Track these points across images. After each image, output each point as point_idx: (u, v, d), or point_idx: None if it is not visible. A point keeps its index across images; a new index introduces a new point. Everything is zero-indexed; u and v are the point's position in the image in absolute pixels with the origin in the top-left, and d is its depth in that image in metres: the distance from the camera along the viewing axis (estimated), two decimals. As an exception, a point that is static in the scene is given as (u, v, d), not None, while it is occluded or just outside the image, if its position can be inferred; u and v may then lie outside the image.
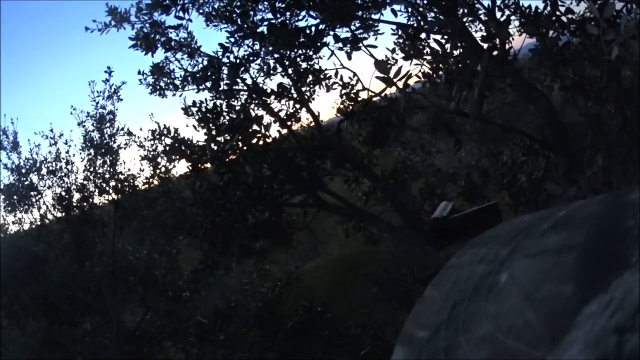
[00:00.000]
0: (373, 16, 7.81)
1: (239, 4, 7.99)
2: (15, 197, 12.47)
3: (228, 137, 8.04)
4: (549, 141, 7.22)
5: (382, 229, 8.23)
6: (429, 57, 7.14)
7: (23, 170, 12.26)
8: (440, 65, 7.07)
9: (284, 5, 7.62)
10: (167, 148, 10.08)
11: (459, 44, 7.07)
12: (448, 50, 7.04)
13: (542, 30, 7.22)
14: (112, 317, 11.45)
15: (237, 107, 8.41)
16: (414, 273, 9.40)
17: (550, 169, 7.39)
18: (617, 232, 0.56)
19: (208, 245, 8.06)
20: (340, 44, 7.64)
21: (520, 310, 0.56)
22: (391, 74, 6.19)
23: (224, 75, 8.41)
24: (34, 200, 12.58)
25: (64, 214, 12.56)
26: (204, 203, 7.75)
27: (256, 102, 8.46)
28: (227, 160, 7.67)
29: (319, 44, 7.85)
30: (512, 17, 7.30)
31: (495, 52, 6.78)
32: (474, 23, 7.58)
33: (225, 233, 7.85)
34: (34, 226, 13.68)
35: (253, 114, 8.22)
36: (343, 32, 7.73)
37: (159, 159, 11.29)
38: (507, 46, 6.96)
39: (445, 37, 7.24)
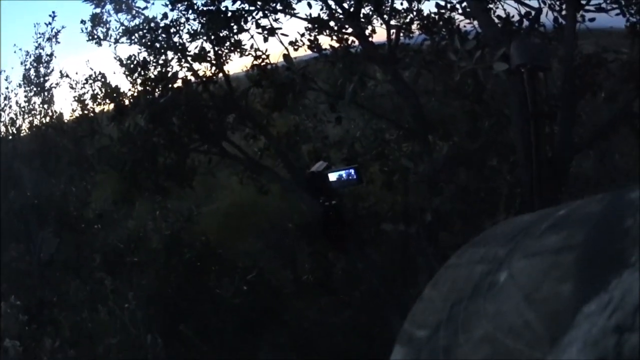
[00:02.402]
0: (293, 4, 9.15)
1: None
2: None
3: (156, 89, 9.37)
4: (411, 129, 8.54)
5: (273, 179, 9.59)
6: (327, 51, 8.68)
7: None
8: (333, 60, 8.50)
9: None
10: (98, 92, 12.11)
11: (350, 43, 8.58)
12: (340, 47, 8.55)
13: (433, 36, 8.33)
14: (34, 246, 12.10)
15: (161, 63, 9.69)
16: (294, 222, 10.83)
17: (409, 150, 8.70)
18: (617, 231, 0.60)
19: (129, 179, 9.25)
20: (259, 30, 9.09)
21: (519, 310, 0.60)
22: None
23: (156, 35, 9.64)
24: None
25: None
26: (130, 142, 8.96)
27: (180, 61, 9.65)
28: (153, 108, 8.91)
29: (243, 28, 9.23)
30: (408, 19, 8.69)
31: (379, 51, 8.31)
32: (371, 23, 8.78)
33: (143, 170, 9.14)
34: None
35: (175, 70, 9.60)
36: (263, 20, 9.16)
37: (87, 102, 12.10)
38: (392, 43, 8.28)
39: (344, 34, 8.64)
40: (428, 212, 7.68)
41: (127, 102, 9.94)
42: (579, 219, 0.68)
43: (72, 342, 8.56)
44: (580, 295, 0.56)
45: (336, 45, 8.63)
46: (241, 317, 9.48)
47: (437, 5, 8.18)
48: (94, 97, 11.67)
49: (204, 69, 9.72)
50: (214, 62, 9.68)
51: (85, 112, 12.17)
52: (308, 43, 9.01)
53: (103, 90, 10.98)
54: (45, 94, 13.39)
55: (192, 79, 9.57)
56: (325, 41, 8.89)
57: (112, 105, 10.47)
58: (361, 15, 8.48)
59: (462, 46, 6.08)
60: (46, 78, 13.45)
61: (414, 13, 8.64)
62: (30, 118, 13.58)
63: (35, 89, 13.34)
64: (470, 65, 5.92)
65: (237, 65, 10.14)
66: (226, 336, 9.46)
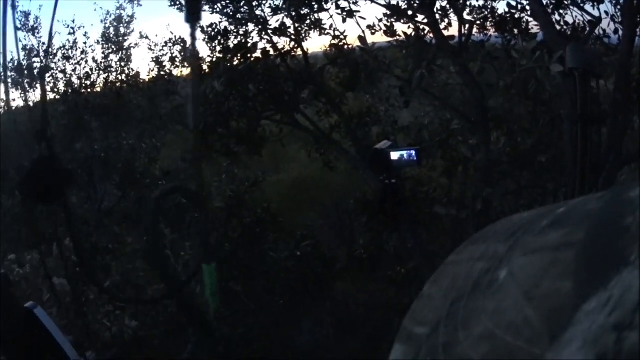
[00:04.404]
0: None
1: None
2: (26, 76, 14.01)
3: (234, 57, 10.10)
4: (472, 121, 9.08)
5: (340, 154, 10.43)
6: (401, 37, 9.31)
7: (40, 52, 14.18)
8: (404, 46, 9.22)
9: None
10: (177, 55, 12.50)
11: (424, 33, 9.18)
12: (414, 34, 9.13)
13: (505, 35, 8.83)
14: (96, 195, 13.34)
15: (241, 33, 10.54)
16: (355, 198, 11.64)
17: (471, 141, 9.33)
18: (617, 229, 0.62)
19: (202, 139, 9.72)
20: (339, 11, 9.84)
21: (519, 307, 0.62)
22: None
23: (238, 6, 10.56)
24: (46, 81, 14.31)
25: (69, 96, 14.41)
26: (206, 105, 9.63)
27: (260, 33, 10.51)
28: (231, 74, 9.66)
29: (323, 7, 10.07)
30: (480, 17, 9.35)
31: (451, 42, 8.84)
32: (447, 16, 9.55)
33: (216, 133, 10.00)
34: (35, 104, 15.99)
35: (254, 42, 10.37)
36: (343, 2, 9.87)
37: (165, 64, 13.60)
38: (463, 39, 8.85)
39: (418, 23, 9.22)
40: (479, 201, 8.28)
41: (205, 67, 10.55)
42: (579, 216, 0.72)
43: (121, 286, 9.36)
44: (580, 293, 0.58)
45: (409, 32, 9.17)
46: (290, 283, 10.33)
47: (509, 5, 8.73)
48: (172, 60, 12.89)
49: (283, 42, 10.46)
50: (293, 37, 10.40)
51: (162, 73, 13.38)
52: (384, 28, 9.61)
53: (182, 54, 12.19)
54: (123, 52, 14.42)
55: (271, 51, 10.19)
56: (401, 29, 9.44)
57: (189, 69, 11.58)
58: (437, 7, 9.10)
59: (524, 45, 7.04)
60: (125, 38, 14.62)
61: (488, 10, 9.28)
62: (106, 74, 14.56)
63: (113, 47, 14.44)
64: (529, 64, 6.48)
65: (315, 43, 11.11)
66: (273, 298, 10.33)
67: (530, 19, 8.66)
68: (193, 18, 3.15)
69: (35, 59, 14.50)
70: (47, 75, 14.34)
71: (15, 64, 13.87)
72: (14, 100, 14.47)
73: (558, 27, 8.02)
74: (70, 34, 14.48)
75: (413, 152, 7.22)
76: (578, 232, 0.68)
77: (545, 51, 6.63)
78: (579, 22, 8.52)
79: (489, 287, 0.71)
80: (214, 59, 10.40)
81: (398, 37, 9.48)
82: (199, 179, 6.07)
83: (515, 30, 8.71)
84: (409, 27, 9.38)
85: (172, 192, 8.93)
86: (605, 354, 0.53)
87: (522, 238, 0.76)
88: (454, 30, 9.24)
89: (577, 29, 8.40)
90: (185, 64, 11.99)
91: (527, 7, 8.62)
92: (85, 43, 14.65)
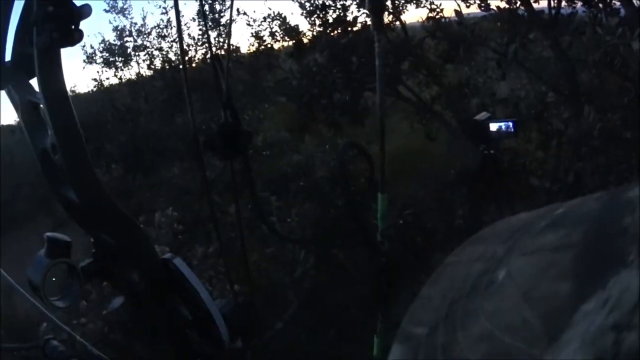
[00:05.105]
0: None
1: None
2: (117, 55, 15.18)
3: (334, 31, 10.55)
4: (565, 94, 9.33)
5: (441, 124, 10.73)
6: (494, 10, 9.54)
7: (131, 33, 15.08)
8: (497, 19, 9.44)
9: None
10: (277, 30, 12.80)
11: (516, 6, 9.30)
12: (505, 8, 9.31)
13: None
14: (198, 166, 14.84)
15: (340, 7, 10.82)
16: (456, 169, 11.66)
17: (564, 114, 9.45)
18: (615, 230, 0.64)
19: (305, 111, 10.57)
20: None
21: (517, 308, 0.63)
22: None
23: None
24: (139, 60, 15.37)
25: (167, 72, 15.09)
26: (309, 77, 10.20)
27: (359, 7, 10.69)
28: (333, 48, 10.07)
29: None
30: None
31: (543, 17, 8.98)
32: None
33: (319, 105, 10.36)
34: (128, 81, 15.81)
35: (354, 16, 10.71)
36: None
37: (265, 38, 13.86)
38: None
39: None
40: (571, 174, 8.50)
41: (305, 40, 11.06)
42: (577, 217, 0.74)
43: (223, 252, 10.08)
44: (578, 294, 0.59)
45: (503, 6, 9.37)
46: (391, 252, 10.78)
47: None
48: (272, 34, 13.39)
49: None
50: (391, 10, 10.67)
51: (262, 47, 13.95)
52: (478, 1, 9.87)
53: (282, 28, 12.74)
54: (221, 28, 14.70)
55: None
56: (495, 3, 9.62)
57: (290, 43, 12.09)
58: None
59: (607, 21, 7.22)
60: (221, 14, 14.88)
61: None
62: (204, 50, 15.05)
63: (210, 23, 14.69)
64: (614, 40, 6.59)
65: (412, 15, 11.54)
66: (372, 267, 10.75)
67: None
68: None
69: (127, 39, 15.29)
70: (143, 53, 15.21)
71: (107, 44, 14.95)
72: (107, 79, 15.85)
73: (636, 3, 7.98)
74: (162, 13, 15.02)
75: (511, 124, 7.41)
76: (576, 233, 0.70)
77: (627, 27, 6.77)
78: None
79: (487, 288, 0.72)
80: (314, 33, 10.84)
81: (492, 10, 9.71)
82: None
83: (600, 5, 8.78)
84: (501, 0, 9.53)
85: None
86: (603, 354, 0.54)
87: (520, 239, 0.78)
88: (544, 4, 9.39)
89: None
90: (286, 37, 12.52)
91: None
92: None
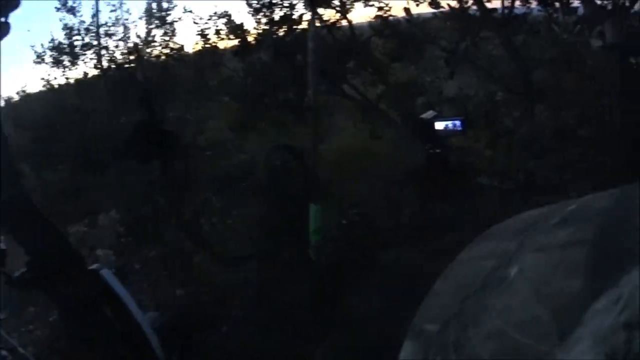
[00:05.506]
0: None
1: None
2: (66, 55, 14.57)
3: (280, 29, 10.42)
4: (516, 93, 9.39)
5: (387, 123, 10.68)
6: (445, 9, 9.51)
7: (80, 31, 14.43)
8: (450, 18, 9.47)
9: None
10: (222, 28, 12.23)
11: (467, 4, 9.29)
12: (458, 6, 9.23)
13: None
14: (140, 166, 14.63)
15: (286, 5, 10.66)
16: (401, 168, 11.19)
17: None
18: (626, 227, 0.65)
19: (249, 108, 10.54)
20: None
21: (528, 305, 0.64)
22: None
23: None
24: (88, 58, 14.64)
25: (113, 72, 14.56)
26: (254, 74, 10.23)
27: (305, 7, 10.45)
28: (278, 46, 10.09)
29: None
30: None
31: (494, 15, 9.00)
32: None
33: (263, 103, 10.35)
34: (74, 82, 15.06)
35: (300, 13, 10.55)
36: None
37: (210, 36, 13.13)
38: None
39: None
40: (522, 173, 8.50)
41: (250, 39, 10.78)
42: (588, 214, 0.74)
43: (168, 255, 9.58)
44: (589, 291, 0.59)
45: (453, 4, 9.35)
46: (336, 251, 10.66)
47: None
48: (217, 32, 13.16)
49: (328, 14, 10.59)
50: (338, 8, 10.52)
51: (207, 45, 13.70)
52: (429, 0, 9.69)
53: (227, 26, 12.51)
54: (167, 27, 14.49)
55: (317, 22, 10.13)
56: (446, 2, 9.61)
57: (235, 41, 11.91)
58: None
59: (564, 19, 7.22)
60: (168, 12, 14.93)
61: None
62: (150, 49, 14.70)
63: (156, 22, 14.51)
64: (570, 38, 6.67)
65: (360, 14, 11.40)
66: (319, 265, 10.64)
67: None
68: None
69: (76, 37, 14.79)
70: (90, 52, 14.65)
71: (56, 43, 14.52)
72: (55, 78, 15.10)
73: (598, 2, 7.99)
74: (112, 11, 14.72)
75: (458, 122, 7.57)
76: (587, 230, 0.71)
77: (585, 26, 6.89)
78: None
79: (498, 284, 0.73)
80: (260, 31, 10.71)
81: (442, 9, 9.72)
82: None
83: (557, 4, 8.79)
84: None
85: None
86: (615, 353, 0.54)
87: (531, 236, 0.79)
88: (496, 3, 9.36)
89: (617, 4, 8.17)
90: (231, 36, 12.30)
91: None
92: (127, 19, 14.80)
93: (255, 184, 11.45)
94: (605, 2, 8.19)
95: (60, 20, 14.40)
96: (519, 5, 9.38)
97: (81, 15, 14.62)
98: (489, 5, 9.35)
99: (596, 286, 0.61)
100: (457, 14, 9.35)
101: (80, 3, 14.66)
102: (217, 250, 9.55)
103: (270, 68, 10.18)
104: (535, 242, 0.76)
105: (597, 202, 0.79)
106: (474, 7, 9.27)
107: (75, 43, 14.88)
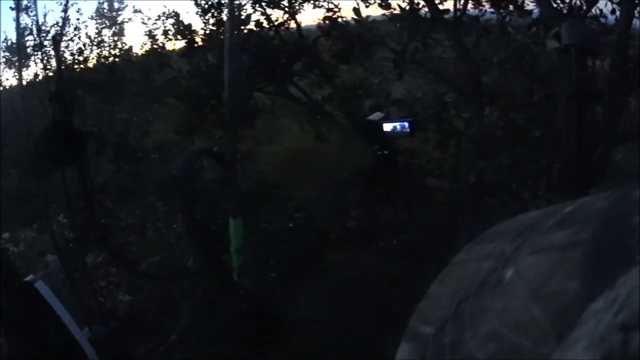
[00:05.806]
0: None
1: None
2: (18, 55, 14.38)
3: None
4: (466, 94, 9.29)
5: (333, 125, 10.74)
6: (395, 10, 9.45)
7: (32, 31, 14.01)
8: (401, 19, 9.37)
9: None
10: (170, 29, 12.37)
11: (418, 6, 9.23)
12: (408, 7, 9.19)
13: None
14: (88, 171, 14.60)
15: (235, 5, 9.87)
16: (348, 170, 11.13)
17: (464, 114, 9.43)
18: (623, 228, 0.64)
19: (194, 110, 10.51)
20: None
21: (526, 307, 0.63)
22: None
23: None
24: (39, 59, 14.44)
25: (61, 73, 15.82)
26: (199, 77, 10.17)
27: (254, 5, 10.61)
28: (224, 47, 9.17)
29: None
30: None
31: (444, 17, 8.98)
32: None
33: (209, 105, 10.31)
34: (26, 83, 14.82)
35: (248, 13, 10.53)
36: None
37: (158, 37, 13.73)
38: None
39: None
40: (472, 174, 8.47)
41: (198, 40, 10.80)
42: (585, 215, 0.73)
43: (115, 260, 9.39)
44: (586, 292, 0.59)
45: (404, 5, 9.26)
46: (283, 255, 10.57)
47: (505, -22, 8.51)
48: (165, 33, 13.02)
49: (276, 15, 10.62)
50: (287, 9, 10.56)
51: (155, 46, 13.57)
52: (379, 1, 9.75)
53: (175, 27, 12.39)
54: (116, 27, 14.55)
55: (265, 23, 10.42)
56: (396, 1, 9.53)
57: (183, 42, 11.78)
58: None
59: (519, 21, 7.20)
60: (119, 13, 14.88)
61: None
62: (99, 50, 14.63)
63: (106, 22, 14.56)
64: (525, 40, 6.65)
65: (309, 16, 11.34)
66: (266, 270, 10.56)
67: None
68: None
69: (28, 37, 14.61)
70: (40, 53, 14.33)
71: (9, 43, 14.59)
72: (7, 79, 15.37)
73: (554, 4, 8.05)
74: (63, 11, 14.57)
75: (406, 124, 7.66)
76: (585, 232, 0.70)
77: (541, 27, 6.87)
78: (576, 0, 8.54)
79: (495, 286, 0.72)
80: (207, 32, 10.67)
81: (392, 10, 9.66)
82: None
83: (511, 7, 8.83)
84: (403, 0, 9.48)
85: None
86: (611, 354, 0.54)
87: (529, 237, 0.77)
88: (448, 5, 9.36)
89: (573, 7, 8.39)
90: (179, 37, 12.17)
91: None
92: (78, 19, 14.66)
93: (202, 188, 11.33)
94: (562, 5, 8.25)
95: (14, 21, 14.70)
96: (472, 7, 9.41)
97: (34, 16, 14.34)
98: (441, 7, 9.28)
99: (593, 287, 0.60)
100: (407, 15, 9.27)
101: (34, 2, 14.24)
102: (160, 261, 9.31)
103: (215, 69, 10.00)
104: (533, 244, 0.75)
105: (595, 204, 0.77)
106: (426, 9, 9.24)
107: (27, 43, 14.68)
